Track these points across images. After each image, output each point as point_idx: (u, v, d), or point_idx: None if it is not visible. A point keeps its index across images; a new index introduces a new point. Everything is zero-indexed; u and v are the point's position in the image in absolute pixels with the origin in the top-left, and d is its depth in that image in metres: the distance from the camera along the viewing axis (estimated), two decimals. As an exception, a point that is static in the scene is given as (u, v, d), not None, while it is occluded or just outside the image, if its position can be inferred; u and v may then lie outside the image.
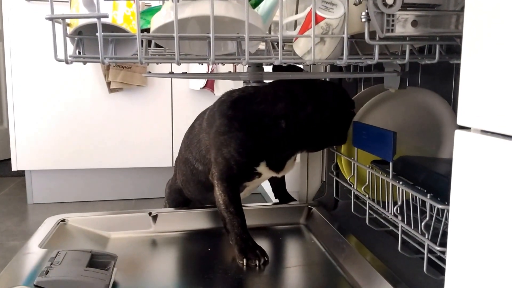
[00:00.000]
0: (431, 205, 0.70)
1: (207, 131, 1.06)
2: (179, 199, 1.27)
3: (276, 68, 1.00)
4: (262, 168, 1.03)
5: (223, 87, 2.05)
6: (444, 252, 0.67)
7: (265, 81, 1.00)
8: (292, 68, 1.01)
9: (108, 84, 2.00)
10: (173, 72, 0.86)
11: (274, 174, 1.06)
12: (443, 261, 0.68)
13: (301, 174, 1.26)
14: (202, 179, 1.11)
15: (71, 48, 0.61)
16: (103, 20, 0.55)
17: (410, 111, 0.95)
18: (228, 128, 0.99)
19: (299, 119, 0.97)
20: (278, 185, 1.28)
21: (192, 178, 1.15)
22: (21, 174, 2.44)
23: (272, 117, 0.97)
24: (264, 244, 1.02)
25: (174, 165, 1.33)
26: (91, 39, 0.62)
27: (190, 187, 1.20)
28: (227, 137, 0.99)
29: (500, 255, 0.39)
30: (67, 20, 0.59)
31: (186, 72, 0.92)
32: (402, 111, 0.95)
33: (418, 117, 0.95)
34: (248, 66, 0.86)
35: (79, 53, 0.62)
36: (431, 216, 0.71)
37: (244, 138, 0.98)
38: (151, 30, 0.60)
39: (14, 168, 2.00)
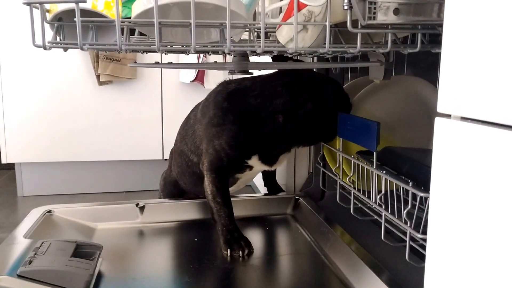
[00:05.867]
0: (413, 194, 0.70)
1: (201, 121, 1.05)
2: (174, 191, 1.27)
3: (276, 60, 1.00)
4: (254, 161, 1.02)
5: (214, 80, 2.04)
6: (426, 240, 0.67)
7: (259, 72, 1.00)
8: (282, 58, 1.01)
9: (98, 77, 1.99)
10: (158, 62, 0.86)
11: (267, 168, 1.06)
12: (425, 248, 0.69)
13: (289, 165, 1.26)
14: (197, 171, 1.10)
15: (51, 34, 0.61)
16: (82, 5, 0.55)
17: (402, 101, 0.94)
18: (222, 120, 0.98)
19: (298, 116, 0.95)
20: (268, 176, 1.28)
21: (187, 170, 1.15)
22: (11, 167, 2.42)
23: (269, 112, 0.95)
24: (251, 234, 1.03)
25: (169, 157, 1.32)
26: (72, 26, 0.62)
27: (185, 179, 1.19)
28: (220, 129, 0.98)
29: (479, 241, 0.39)
30: (47, 6, 0.58)
31: (171, 62, 0.92)
32: (394, 101, 0.95)
33: (410, 107, 0.94)
34: (234, 56, 0.86)
35: (60, 40, 0.62)
36: (413, 205, 0.72)
37: (237, 131, 0.97)
38: (132, 16, 0.60)
39: (4, 161, 1.99)
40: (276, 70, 1.01)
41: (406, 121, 0.93)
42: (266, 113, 0.96)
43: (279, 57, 1.01)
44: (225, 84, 1.03)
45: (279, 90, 0.95)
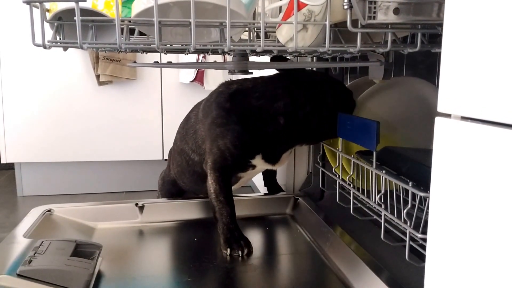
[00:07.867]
0: (413, 194, 0.70)
1: (203, 121, 1.05)
2: (172, 190, 1.27)
3: (274, 60, 1.00)
4: (258, 160, 1.03)
5: (213, 80, 2.05)
6: (425, 240, 0.67)
7: (259, 72, 1.00)
8: (281, 59, 1.02)
9: (98, 77, 1.99)
10: (158, 62, 0.86)
11: (270, 167, 1.07)
12: (425, 248, 0.69)
13: (288, 165, 1.26)
14: (198, 170, 1.11)
15: (51, 34, 0.61)
16: (82, 4, 0.55)
17: (405, 102, 0.95)
18: (225, 120, 0.99)
19: (298, 118, 0.97)
20: (268, 176, 1.29)
21: (188, 169, 1.15)
22: (10, 167, 2.42)
23: (270, 114, 0.97)
24: (251, 234, 1.02)
25: (168, 156, 1.33)
26: (72, 26, 0.62)
27: (185, 178, 1.20)
28: (224, 129, 0.99)
29: (479, 241, 0.39)
30: (47, 5, 0.58)
31: (171, 62, 0.92)
32: (398, 101, 0.95)
33: (413, 107, 0.94)
34: (233, 56, 0.86)
35: (60, 39, 0.62)
36: (413, 205, 0.72)
37: (241, 131, 0.98)
38: (132, 15, 0.60)
39: (3, 161, 1.99)
40: (277, 71, 1.02)
41: (409, 121, 0.94)
42: (267, 115, 0.98)
43: (278, 57, 1.01)
44: (226, 85, 1.04)
45: (280, 93, 0.97)
